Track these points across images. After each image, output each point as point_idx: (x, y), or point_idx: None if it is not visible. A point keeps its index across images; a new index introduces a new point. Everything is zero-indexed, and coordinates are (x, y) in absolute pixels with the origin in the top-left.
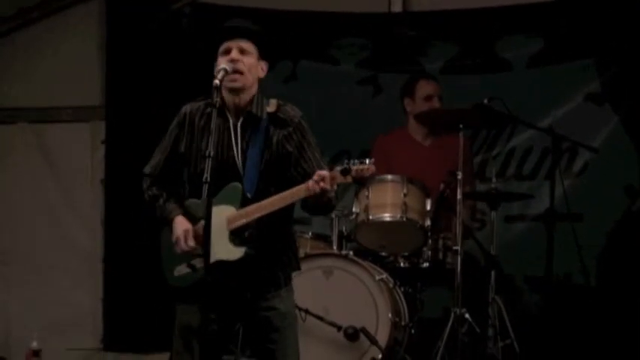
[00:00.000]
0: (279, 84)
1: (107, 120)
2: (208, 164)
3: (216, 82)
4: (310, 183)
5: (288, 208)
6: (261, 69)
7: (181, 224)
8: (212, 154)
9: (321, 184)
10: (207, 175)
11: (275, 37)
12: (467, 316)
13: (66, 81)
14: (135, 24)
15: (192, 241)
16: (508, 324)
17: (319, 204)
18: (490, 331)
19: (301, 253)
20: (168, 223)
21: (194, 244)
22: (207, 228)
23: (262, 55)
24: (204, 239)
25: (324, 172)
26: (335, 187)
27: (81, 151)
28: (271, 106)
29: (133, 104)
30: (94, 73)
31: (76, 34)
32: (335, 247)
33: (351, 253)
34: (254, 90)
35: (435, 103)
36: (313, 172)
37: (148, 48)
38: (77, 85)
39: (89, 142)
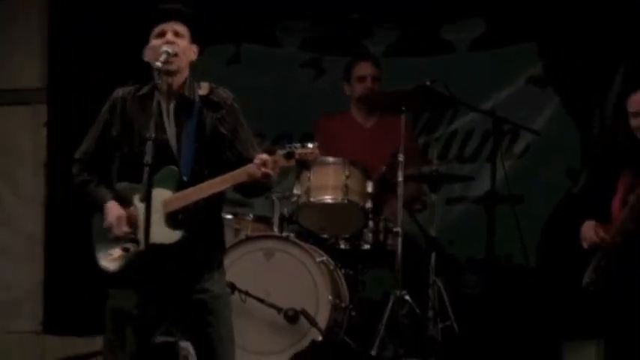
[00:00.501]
0: (222, 67)
1: (49, 103)
2: (150, 147)
3: (159, 64)
4: (252, 167)
5: (221, 193)
6: (192, 52)
7: (114, 209)
8: (153, 136)
9: (263, 168)
10: (148, 158)
11: (216, 20)
12: (407, 297)
13: (7, 63)
14: (76, 6)
15: (126, 226)
16: (448, 305)
17: (257, 187)
18: (430, 313)
19: (242, 235)
20: (100, 209)
21: (128, 228)
22: (148, 211)
23: (194, 39)
24: (145, 222)
25: (266, 156)
26: (277, 170)
27: (23, 134)
28: (203, 89)
29: (74, 87)
30: (36, 55)
31: (18, 16)
32: (276, 229)
33: (292, 235)
34: (186, 73)
35: (368, 84)
36: (247, 154)
37: (89, 30)
38: (18, 68)
39: (31, 124)
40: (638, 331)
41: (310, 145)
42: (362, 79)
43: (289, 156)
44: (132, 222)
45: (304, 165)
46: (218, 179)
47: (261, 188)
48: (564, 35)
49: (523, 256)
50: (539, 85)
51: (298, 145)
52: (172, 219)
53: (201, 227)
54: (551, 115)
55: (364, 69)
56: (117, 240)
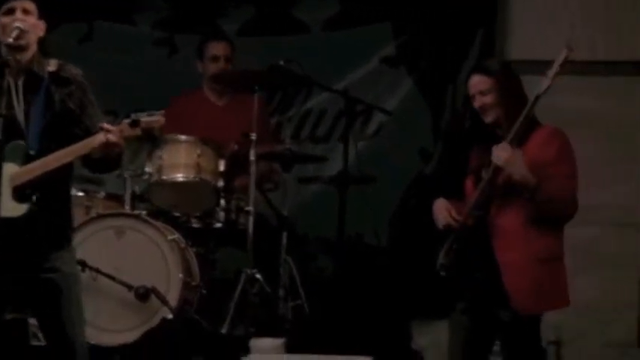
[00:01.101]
0: (74, 45)
1: None
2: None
3: (10, 40)
4: (97, 135)
5: (68, 168)
6: (40, 29)
7: None
8: (3, 112)
9: (109, 135)
10: None
11: None
12: (258, 276)
13: None
14: None
15: None
16: (299, 284)
17: (105, 161)
18: (281, 292)
19: (93, 213)
20: None
21: None
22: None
23: (43, 15)
24: None
25: (110, 125)
26: (122, 141)
27: None
28: (52, 65)
29: None
30: None
31: None
32: (127, 207)
33: (144, 213)
34: (35, 49)
35: (221, 64)
36: (95, 129)
37: None
38: None
39: None
40: (488, 317)
41: (156, 113)
42: (215, 58)
43: (134, 124)
44: None
45: (151, 135)
46: (63, 151)
47: (109, 163)
48: (418, 15)
49: (374, 236)
50: (393, 66)
51: (144, 113)
52: (19, 193)
53: (49, 202)
54: (404, 96)
55: (217, 49)
56: None
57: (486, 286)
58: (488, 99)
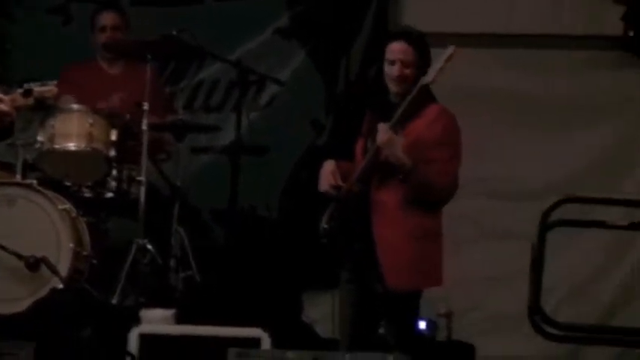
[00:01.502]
0: None
1: None
2: None
3: None
4: None
5: None
6: None
7: None
8: None
9: (0, 105)
10: None
11: None
12: (149, 246)
13: None
14: None
15: None
16: (190, 255)
17: None
18: (172, 262)
19: None
20: None
21: None
22: None
23: None
24: None
25: (1, 95)
26: (14, 110)
27: None
28: None
29: None
30: None
31: None
32: (19, 176)
33: (35, 182)
34: None
35: (109, 34)
36: None
37: None
38: None
39: None
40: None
41: (49, 83)
42: (103, 29)
43: (27, 93)
44: None
45: (44, 104)
46: None
47: (1, 131)
48: None
49: (266, 208)
50: (286, 37)
51: (37, 83)
52: None
53: None
54: (297, 67)
55: (105, 19)
56: None
57: (364, 258)
58: (409, 71)
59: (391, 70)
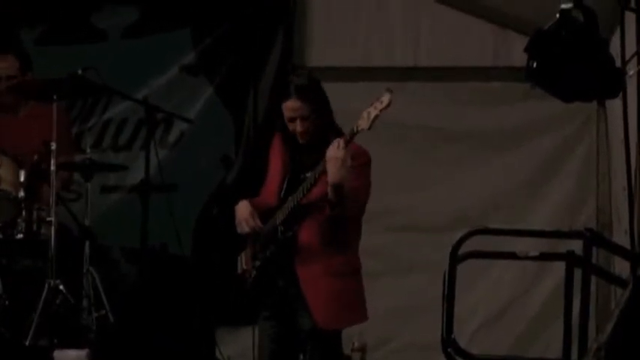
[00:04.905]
0: None
1: None
2: None
3: None
4: None
5: None
6: None
7: None
8: None
9: None
10: None
11: None
12: (61, 287)
13: None
14: None
15: None
16: (103, 295)
17: None
18: (85, 302)
19: None
20: None
21: None
22: None
23: None
24: None
25: None
26: None
27: None
28: None
29: None
30: None
31: None
32: None
33: None
34: None
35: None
36: None
37: None
38: None
39: None
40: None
41: None
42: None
43: None
44: None
45: None
46: None
47: None
48: (215, 22)
49: (178, 245)
50: (193, 74)
51: None
52: None
53: None
54: (205, 103)
55: (5, 62)
56: None
57: (288, 295)
58: (308, 124)
59: (294, 127)
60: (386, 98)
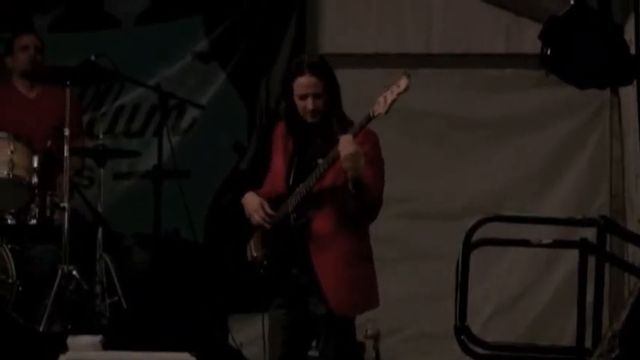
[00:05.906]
0: None
1: None
2: None
3: None
4: None
5: None
6: None
7: None
8: None
9: None
10: None
11: None
12: (74, 273)
13: None
14: None
15: None
16: (116, 281)
17: None
18: (98, 288)
19: None
20: None
21: None
22: None
23: None
24: None
25: None
26: None
27: None
28: None
29: None
30: None
31: None
32: None
33: None
34: None
35: (31, 52)
36: None
37: None
38: None
39: None
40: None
41: None
42: (25, 48)
43: None
44: None
45: None
46: None
47: None
48: (228, 9)
49: (191, 231)
50: (205, 61)
51: None
52: None
53: None
54: (218, 90)
55: (26, 39)
56: None
57: (303, 283)
58: (321, 103)
59: (305, 104)
60: (403, 82)
